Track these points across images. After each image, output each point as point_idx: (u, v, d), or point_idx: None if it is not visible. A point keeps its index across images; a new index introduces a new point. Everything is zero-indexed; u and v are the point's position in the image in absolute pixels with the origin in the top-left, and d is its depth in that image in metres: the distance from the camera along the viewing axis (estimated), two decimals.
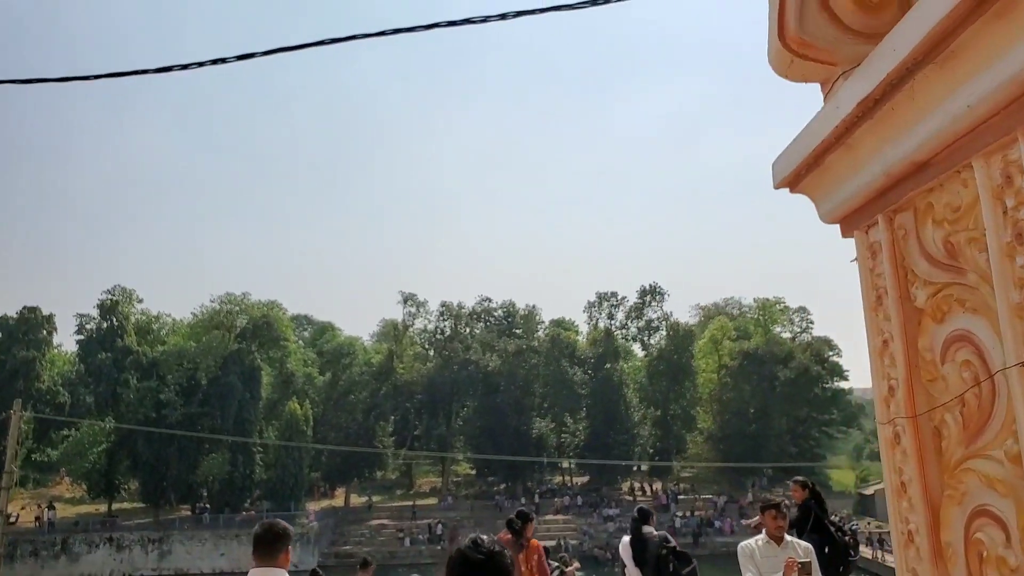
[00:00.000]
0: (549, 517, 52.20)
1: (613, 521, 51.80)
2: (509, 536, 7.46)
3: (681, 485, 59.69)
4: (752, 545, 5.91)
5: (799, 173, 2.06)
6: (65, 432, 52.79)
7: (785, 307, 64.48)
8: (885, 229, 1.86)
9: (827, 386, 62.79)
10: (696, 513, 52.96)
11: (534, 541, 7.54)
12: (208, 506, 51.77)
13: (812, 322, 67.50)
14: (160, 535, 45.43)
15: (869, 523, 48.95)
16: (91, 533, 45.58)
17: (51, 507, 48.42)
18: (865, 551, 41.33)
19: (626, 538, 6.99)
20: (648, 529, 7.02)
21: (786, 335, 67.11)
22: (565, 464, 66.46)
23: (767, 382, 56.72)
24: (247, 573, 3.93)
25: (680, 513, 52.68)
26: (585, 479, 63.38)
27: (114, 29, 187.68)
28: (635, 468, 61.38)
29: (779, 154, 2.11)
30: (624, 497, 56.90)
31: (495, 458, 49.28)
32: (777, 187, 2.15)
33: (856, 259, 2.01)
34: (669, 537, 6.99)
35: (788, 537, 5.96)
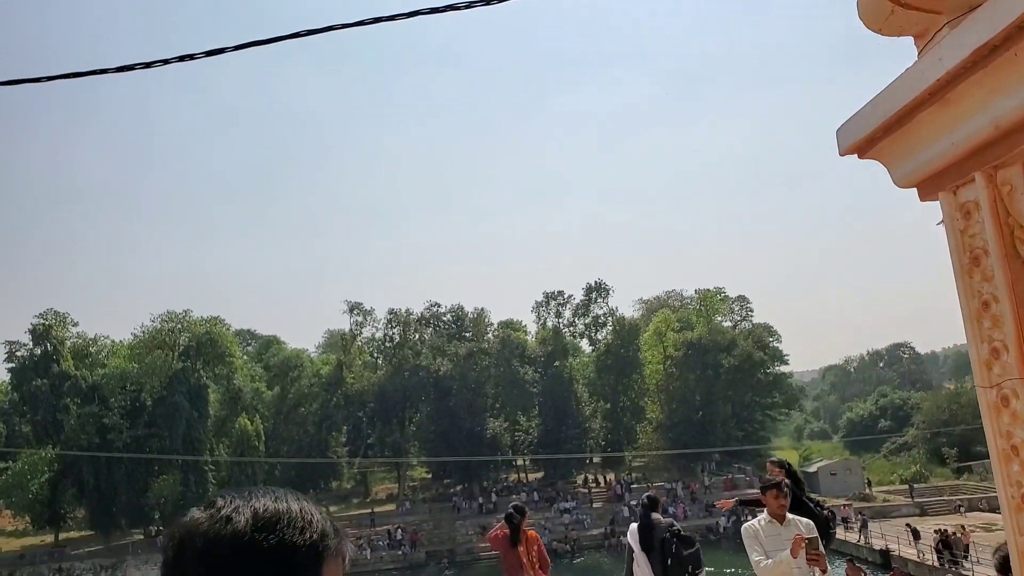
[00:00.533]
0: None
1: (570, 514, 52.76)
2: (507, 530, 7.70)
3: (633, 475, 61.04)
4: (755, 525, 5.81)
5: (874, 137, 1.97)
6: (1, 464, 51.02)
7: (725, 297, 66.57)
8: (985, 186, 1.76)
9: (769, 371, 65.07)
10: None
11: (531, 532, 7.73)
12: (162, 528, 50.73)
13: (752, 310, 69.95)
14: (113, 561, 44.45)
15: (822, 500, 50.95)
16: (38, 565, 44.29)
17: None
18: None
19: (634, 524, 7.14)
20: (656, 516, 7.16)
21: (727, 324, 69.23)
22: (519, 462, 67.21)
23: (711, 370, 58.55)
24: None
25: (634, 502, 53.90)
26: (540, 475, 64.27)
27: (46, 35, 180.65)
28: (588, 461, 62.51)
29: (845, 121, 2.04)
30: (579, 490, 57.94)
31: (451, 460, 49.80)
32: (844, 154, 2.08)
33: (942, 222, 1.93)
34: (675, 522, 7.18)
35: (789, 515, 5.86)
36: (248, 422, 50.88)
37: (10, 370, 51.18)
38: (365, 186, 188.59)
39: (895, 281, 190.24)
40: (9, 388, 56.92)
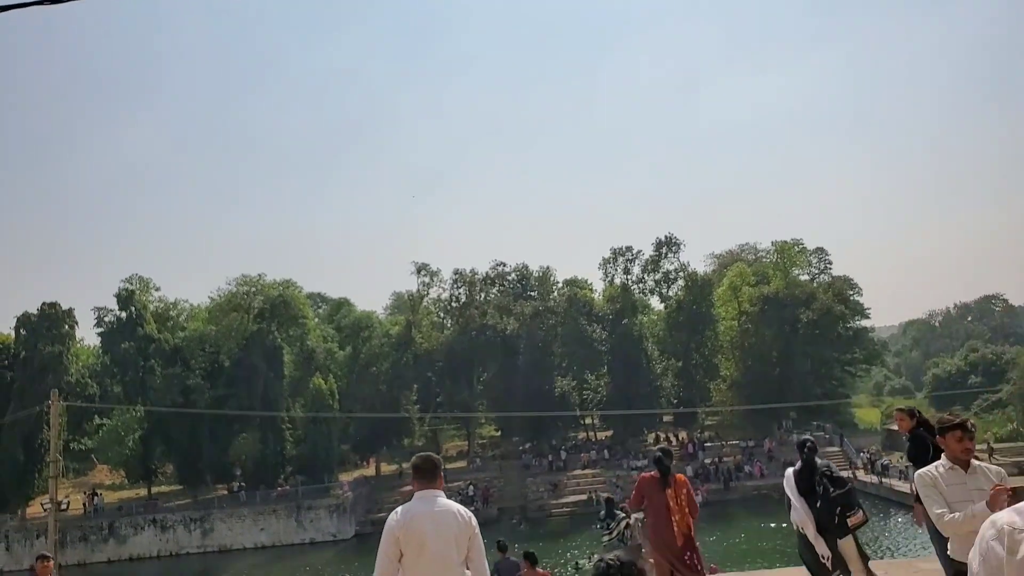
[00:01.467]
0: (577, 472, 52.81)
1: (642, 471, 52.29)
2: (657, 474, 7.59)
3: (706, 433, 60.02)
4: (932, 472, 5.00)
5: None
6: (98, 422, 53.81)
7: (803, 249, 63.95)
8: None
9: (849, 325, 62.51)
10: (724, 459, 53.32)
11: (680, 476, 7.59)
12: (243, 484, 52.82)
13: (831, 262, 67.10)
14: (201, 515, 46.49)
15: (901, 458, 48.93)
16: (135, 516, 46.73)
17: (96, 493, 49.63)
18: (901, 485, 41.61)
19: (790, 470, 7.00)
20: (819, 460, 7.05)
21: (804, 277, 66.68)
22: (588, 420, 66.98)
23: (789, 325, 56.58)
24: (412, 495, 4.58)
25: (708, 460, 53.08)
26: (608, 433, 63.91)
27: None
28: (659, 420, 61.73)
29: None
30: (649, 449, 57.37)
31: (520, 415, 49.53)
32: None
33: None
34: (831, 465, 7.02)
35: (975, 462, 5.05)
36: (322, 381, 52.05)
37: (100, 334, 53.63)
38: (426, 150, 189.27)
39: (987, 231, 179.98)
40: (100, 352, 59.70)
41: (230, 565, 42.06)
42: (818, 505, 6.67)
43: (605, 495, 13.29)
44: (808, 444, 7.06)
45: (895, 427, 42.47)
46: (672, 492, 7.44)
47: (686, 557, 7.27)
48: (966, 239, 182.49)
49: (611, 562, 2.60)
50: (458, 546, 4.37)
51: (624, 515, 12.42)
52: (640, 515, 12.93)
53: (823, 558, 6.70)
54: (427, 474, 4.57)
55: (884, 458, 49.29)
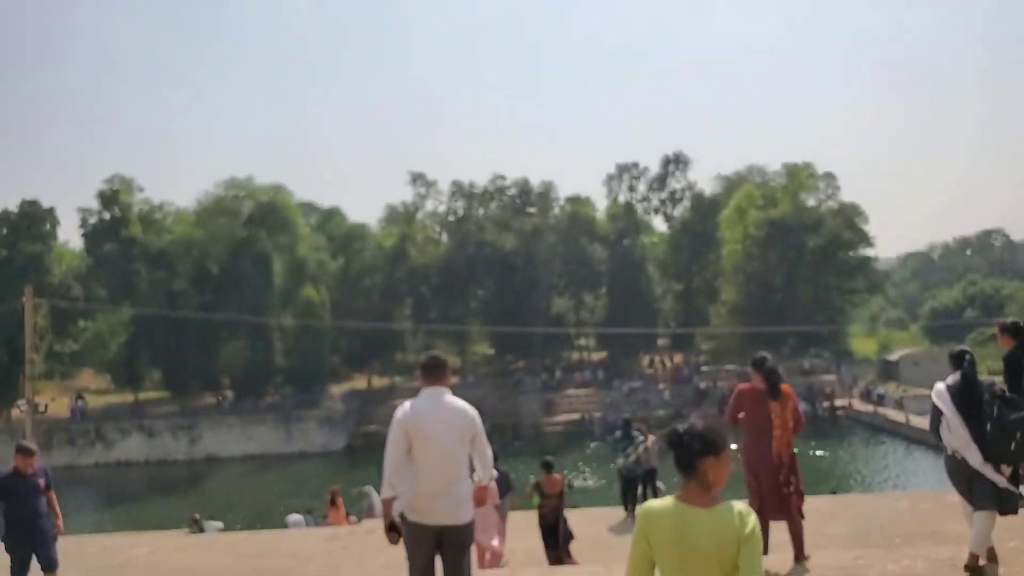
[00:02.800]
0: (571, 392, 52.27)
1: (636, 394, 51.79)
2: (760, 384, 6.37)
3: (702, 357, 59.41)
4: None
5: None
6: (83, 324, 52.51)
7: (812, 173, 61.77)
8: None
9: (852, 254, 61.18)
10: (719, 384, 52.81)
11: (786, 387, 6.40)
12: (232, 393, 51.99)
13: (838, 188, 65.01)
14: (188, 422, 45.75)
15: (899, 387, 48.55)
16: (121, 421, 45.97)
17: (81, 397, 48.71)
18: (896, 415, 41.14)
19: (940, 384, 5.78)
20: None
21: (811, 203, 64.83)
22: (583, 341, 66.25)
23: (795, 251, 55.15)
24: (419, 391, 4.70)
25: (703, 384, 52.55)
26: (603, 355, 63.25)
27: None
28: (655, 343, 60.98)
29: None
30: (645, 371, 56.80)
31: (516, 330, 48.39)
32: None
33: None
34: (995, 382, 5.82)
35: None
36: (314, 292, 50.56)
37: (83, 235, 51.65)
38: (426, 56, 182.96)
39: (990, 164, 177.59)
40: (84, 254, 57.93)
41: (219, 473, 41.49)
42: (988, 428, 5.40)
43: (623, 416, 11.95)
44: (968, 356, 5.74)
45: (890, 357, 41.55)
46: (778, 406, 6.27)
47: (781, 477, 6.21)
48: (969, 172, 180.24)
49: (687, 430, 2.62)
50: (461, 439, 4.58)
51: (642, 437, 11.32)
52: (654, 439, 11.79)
53: (999, 487, 5.43)
54: (435, 372, 4.75)
55: (880, 388, 48.88)
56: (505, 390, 52.76)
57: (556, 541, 8.77)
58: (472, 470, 4.78)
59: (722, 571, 2.54)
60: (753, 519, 2.58)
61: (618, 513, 10.99)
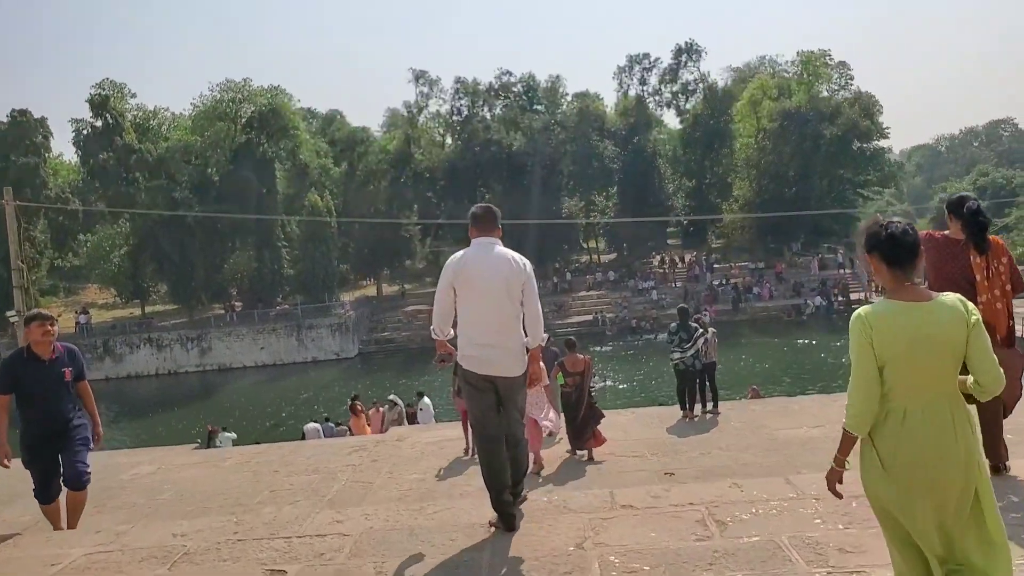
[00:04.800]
0: (582, 293, 51.68)
1: (648, 293, 51.14)
2: (957, 233, 4.74)
3: (714, 255, 58.45)
4: None
5: None
6: (83, 238, 51.63)
7: (827, 61, 58.89)
8: None
9: (867, 145, 59.13)
10: (732, 280, 52.08)
11: (995, 239, 4.75)
12: (240, 303, 51.53)
13: (852, 78, 62.23)
14: (197, 333, 45.45)
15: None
16: (129, 335, 45.68)
17: (85, 311, 48.25)
18: None
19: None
20: None
21: (824, 94, 62.20)
22: (592, 243, 65.19)
23: (810, 142, 53.16)
24: (470, 242, 4.60)
25: (716, 281, 51.81)
26: (612, 256, 62.35)
27: None
28: (666, 242, 59.91)
29: None
30: (656, 271, 55.93)
31: (529, 222, 47.13)
32: None
33: None
34: None
35: None
36: (318, 198, 49.22)
37: (75, 143, 49.92)
38: None
39: (998, 53, 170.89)
40: (80, 167, 56.38)
41: (231, 383, 41.45)
42: None
43: (680, 305, 10.61)
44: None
45: None
46: (982, 262, 4.66)
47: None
48: (976, 62, 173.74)
49: (906, 225, 2.60)
50: (509, 289, 4.38)
51: (701, 330, 10.26)
52: (714, 330, 10.87)
53: None
54: (485, 222, 4.59)
55: None
56: None
57: (576, 417, 8.24)
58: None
59: (954, 360, 2.56)
60: (973, 306, 2.60)
61: (671, 412, 10.16)
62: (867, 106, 55.84)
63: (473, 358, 4.47)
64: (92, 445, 5.80)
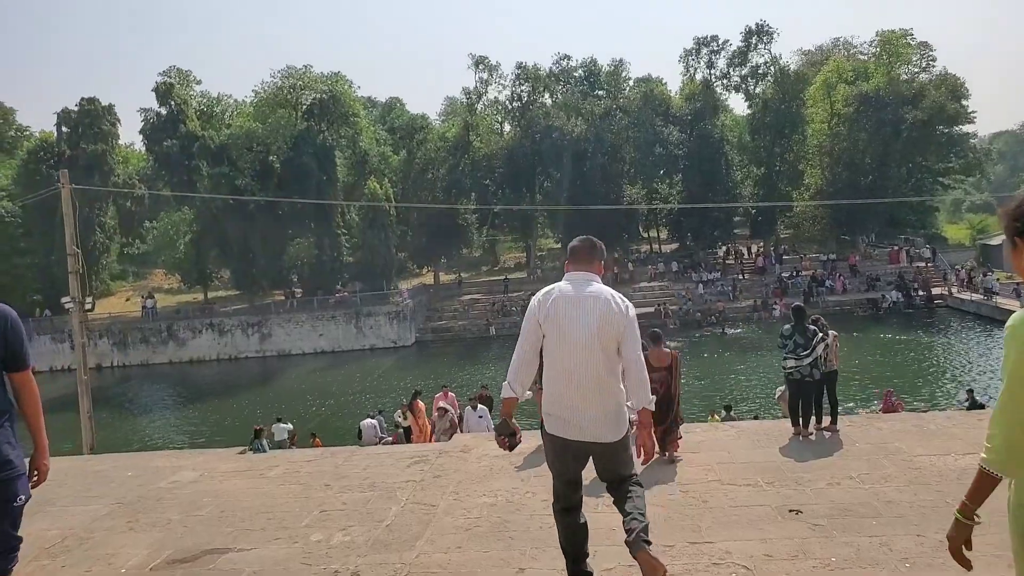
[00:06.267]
0: (643, 284, 50.12)
1: (713, 285, 49.27)
2: None
3: (782, 246, 56.02)
4: None
5: None
6: (149, 224, 52.42)
7: (908, 42, 55.46)
8: None
9: (951, 130, 55.67)
10: (803, 273, 49.77)
11: None
12: (300, 291, 51.61)
13: (934, 59, 58.61)
14: (258, 320, 45.60)
15: (1010, 276, 44.44)
16: (192, 320, 46.14)
17: (151, 296, 48.99)
18: (1011, 304, 37.65)
19: None
20: None
21: (904, 77, 58.82)
22: (654, 233, 63.32)
23: (890, 127, 50.17)
24: (564, 274, 4.00)
25: (786, 274, 49.58)
26: (675, 247, 60.45)
27: None
28: (732, 232, 57.69)
29: None
30: (721, 262, 53.93)
31: (594, 208, 45.69)
32: None
33: None
34: None
35: None
36: (378, 185, 48.77)
37: (141, 131, 50.60)
38: None
39: None
40: (147, 156, 57.32)
41: (289, 369, 41.41)
42: None
43: (795, 303, 9.06)
44: None
45: (991, 242, 36.89)
46: None
47: None
48: None
49: None
50: (602, 335, 3.68)
51: (820, 334, 8.79)
52: (835, 334, 9.42)
53: None
54: (582, 255, 3.94)
55: (992, 275, 44.59)
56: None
57: (663, 419, 7.34)
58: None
59: None
60: None
61: (778, 428, 8.84)
62: (954, 88, 52.45)
63: (557, 419, 3.79)
64: (24, 497, 3.38)
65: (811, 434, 8.39)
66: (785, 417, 11.15)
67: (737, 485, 6.82)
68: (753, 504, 6.30)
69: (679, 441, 7.68)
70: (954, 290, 45.45)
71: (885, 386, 20.59)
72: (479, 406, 14.32)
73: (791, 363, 8.51)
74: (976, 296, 42.51)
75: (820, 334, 8.58)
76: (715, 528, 5.85)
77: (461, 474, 7.47)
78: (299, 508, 6.76)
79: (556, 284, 3.89)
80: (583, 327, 3.69)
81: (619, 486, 3.91)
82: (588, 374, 3.70)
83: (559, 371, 3.74)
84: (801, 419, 8.42)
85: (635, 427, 4.06)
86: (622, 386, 3.84)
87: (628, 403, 3.85)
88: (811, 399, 8.46)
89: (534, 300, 3.87)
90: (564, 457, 3.87)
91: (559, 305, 3.74)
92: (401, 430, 18.77)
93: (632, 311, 3.85)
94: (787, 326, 8.69)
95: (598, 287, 3.83)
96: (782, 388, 15.21)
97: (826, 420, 8.65)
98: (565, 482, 3.95)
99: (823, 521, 5.78)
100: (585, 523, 4.09)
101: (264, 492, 7.30)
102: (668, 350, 8.11)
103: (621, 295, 3.86)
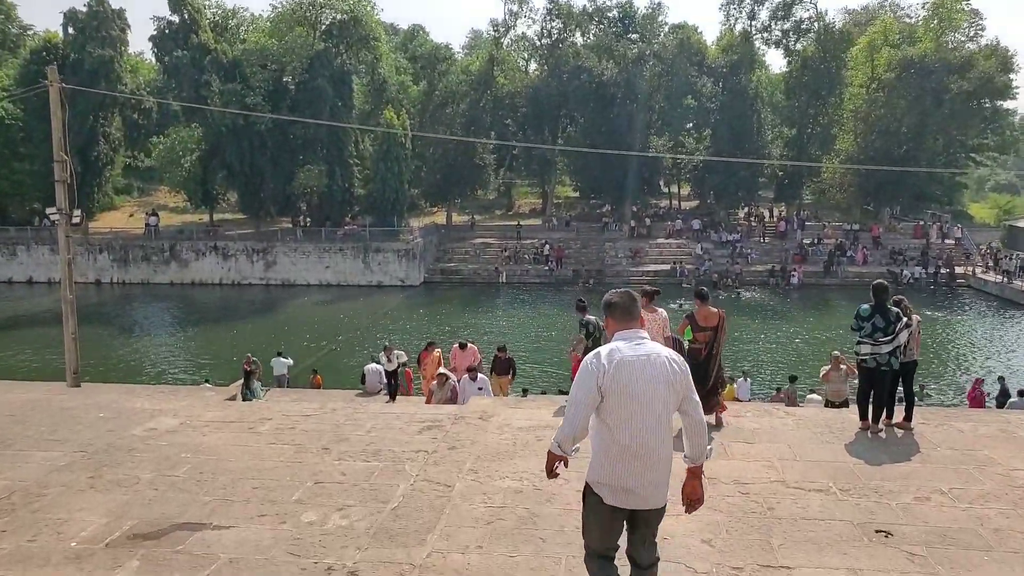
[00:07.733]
0: (661, 240, 48.73)
1: (732, 246, 47.87)
2: None
3: (804, 212, 54.32)
4: None
5: None
6: (156, 139, 50.90)
7: (963, 7, 52.55)
8: None
9: (997, 103, 53.25)
10: (824, 241, 48.31)
11: None
12: (308, 220, 50.31)
13: (983, 28, 55.67)
14: (263, 246, 44.49)
15: None
16: (196, 241, 45.03)
17: (154, 214, 47.80)
18: None
19: None
20: None
21: (950, 46, 56.09)
22: (675, 188, 61.54)
23: (931, 96, 47.88)
24: (609, 333, 3.83)
25: (807, 240, 48.13)
26: (694, 204, 58.78)
27: None
28: (756, 194, 55.92)
29: None
30: (742, 223, 52.34)
31: (616, 152, 43.73)
32: None
33: None
34: None
35: None
36: (394, 116, 46.96)
37: (151, 38, 48.56)
38: None
39: None
40: (157, 66, 55.40)
41: (294, 299, 40.50)
42: None
43: (876, 281, 7.67)
44: None
45: (1019, 223, 35.12)
46: None
47: None
48: None
49: None
50: (670, 402, 3.57)
51: (905, 318, 7.53)
52: (918, 318, 8.14)
53: None
54: (625, 312, 3.77)
55: (1014, 256, 43.09)
56: (588, 235, 49.54)
57: (705, 380, 7.14)
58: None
59: None
60: None
61: (842, 420, 7.71)
62: (1004, 60, 49.92)
63: (620, 490, 3.56)
64: None
65: (881, 431, 7.31)
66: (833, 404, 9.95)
67: (806, 490, 5.78)
68: (829, 518, 5.28)
69: (724, 407, 7.47)
70: (978, 270, 44.05)
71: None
72: (479, 376, 12.69)
73: (867, 349, 7.30)
74: (999, 278, 41.19)
75: (904, 318, 7.36)
76: (789, 547, 4.83)
77: (480, 447, 6.44)
78: (290, 476, 5.75)
79: (613, 344, 3.64)
80: (655, 397, 3.51)
81: (647, 569, 3.79)
82: (659, 442, 3.54)
83: (627, 443, 3.51)
84: (873, 413, 7.30)
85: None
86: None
87: (685, 455, 3.71)
88: (884, 391, 7.31)
89: (590, 363, 3.57)
90: (615, 526, 3.70)
91: (626, 366, 3.50)
92: (382, 370, 17.57)
93: (685, 365, 3.65)
94: (865, 305, 7.44)
95: (652, 345, 3.66)
96: (827, 370, 14.07)
97: (899, 415, 7.55)
98: (604, 543, 3.78)
99: (920, 550, 4.77)
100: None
101: (252, 451, 6.28)
102: (715, 309, 7.73)
103: (669, 351, 3.69)
